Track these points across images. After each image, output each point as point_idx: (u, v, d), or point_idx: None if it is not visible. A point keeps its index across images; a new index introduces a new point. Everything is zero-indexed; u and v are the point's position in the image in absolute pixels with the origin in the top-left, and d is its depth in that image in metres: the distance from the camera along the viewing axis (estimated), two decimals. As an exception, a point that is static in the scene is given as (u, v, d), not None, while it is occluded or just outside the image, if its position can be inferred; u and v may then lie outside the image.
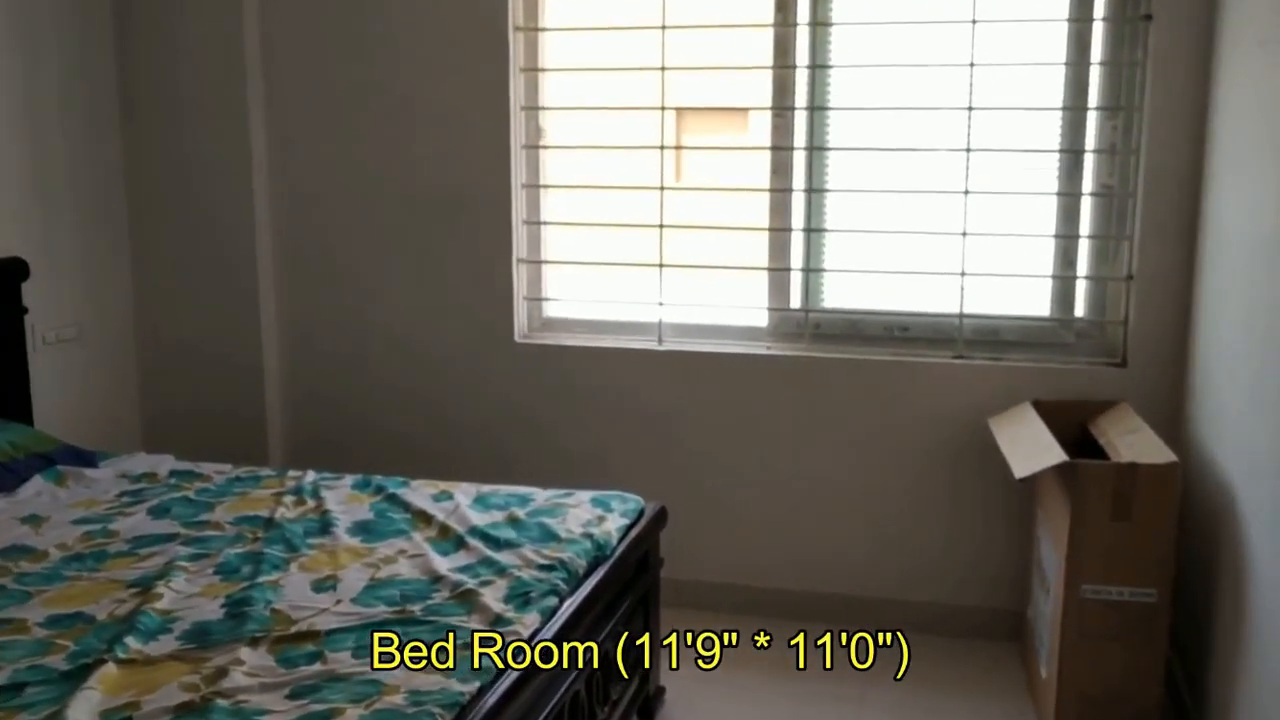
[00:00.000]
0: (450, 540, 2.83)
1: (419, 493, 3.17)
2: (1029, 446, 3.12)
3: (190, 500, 3.12)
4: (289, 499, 3.11)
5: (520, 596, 2.49)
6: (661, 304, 3.89)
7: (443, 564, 2.68)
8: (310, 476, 3.30)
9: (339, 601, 2.47)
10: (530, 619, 2.39)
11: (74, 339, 3.98)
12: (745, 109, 4.00)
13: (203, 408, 4.20)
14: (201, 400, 4.20)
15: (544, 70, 3.91)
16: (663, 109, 3.78)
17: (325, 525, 2.93)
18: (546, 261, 4.02)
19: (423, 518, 2.98)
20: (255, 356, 4.13)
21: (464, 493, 3.17)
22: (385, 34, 3.93)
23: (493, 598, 2.47)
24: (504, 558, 2.70)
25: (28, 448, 3.28)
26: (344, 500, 3.12)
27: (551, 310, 4.07)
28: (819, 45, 3.70)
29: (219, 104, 4.01)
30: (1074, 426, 3.36)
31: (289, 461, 4.19)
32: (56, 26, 3.86)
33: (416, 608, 2.43)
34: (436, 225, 3.99)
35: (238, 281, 4.11)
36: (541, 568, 2.64)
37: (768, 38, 3.73)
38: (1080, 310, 3.67)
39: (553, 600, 2.50)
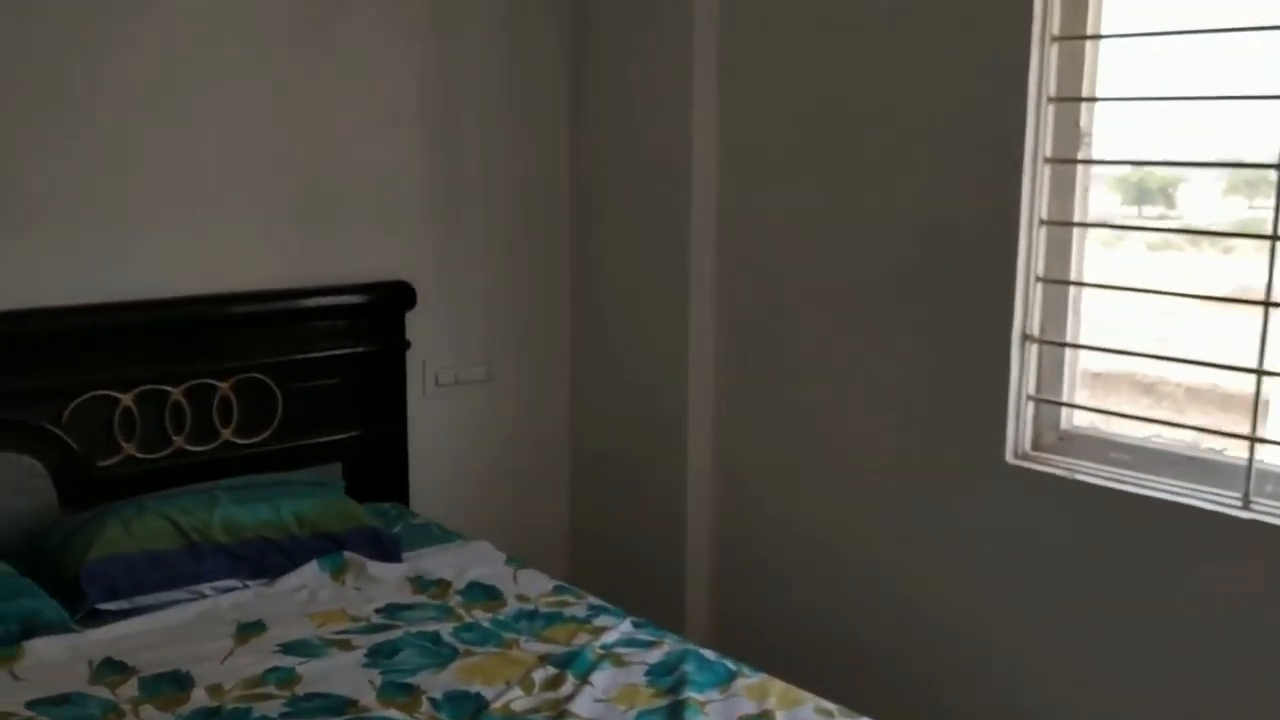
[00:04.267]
0: (680, 840, 1.64)
1: (727, 706, 1.99)
2: None
3: (436, 642, 2.23)
4: (547, 671, 2.11)
5: None
6: (1256, 438, 2.24)
7: None
8: (610, 637, 2.26)
9: None
10: None
11: (482, 381, 3.30)
12: None
13: (628, 497, 3.32)
14: (629, 488, 3.32)
15: (1094, 38, 2.43)
16: (1290, 100, 2.14)
17: (541, 742, 1.88)
18: (1073, 345, 2.54)
19: (680, 772, 1.80)
20: (680, 468, 3.14)
21: (794, 724, 1.94)
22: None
23: None
24: None
25: (317, 524, 2.61)
26: (611, 694, 2.04)
27: (1077, 420, 2.58)
28: None
29: (667, 113, 3.06)
30: None
31: (708, 587, 3.18)
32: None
33: None
34: (892, 278, 2.69)
35: (669, 341, 3.14)
36: None
37: None
38: None
39: None
